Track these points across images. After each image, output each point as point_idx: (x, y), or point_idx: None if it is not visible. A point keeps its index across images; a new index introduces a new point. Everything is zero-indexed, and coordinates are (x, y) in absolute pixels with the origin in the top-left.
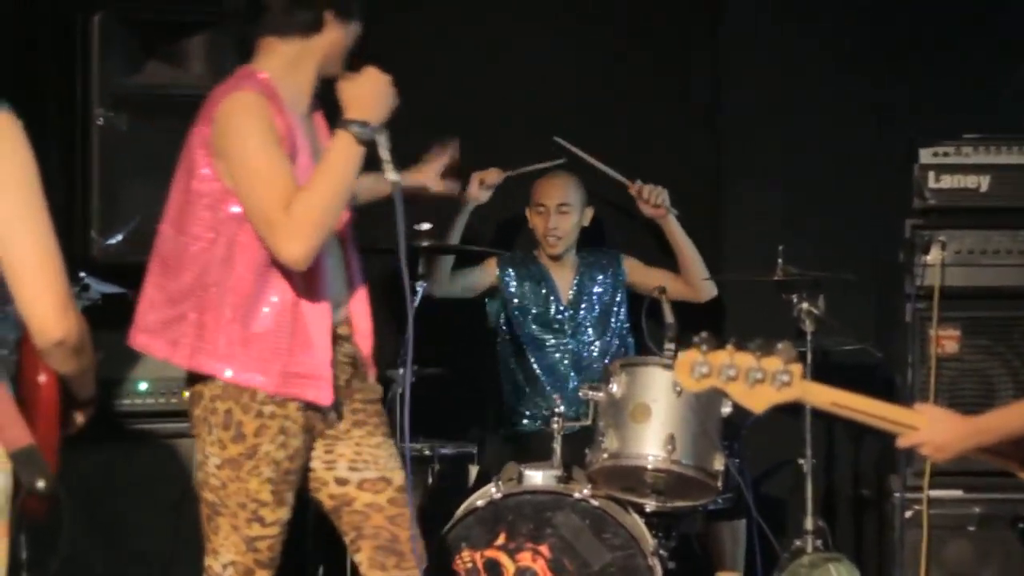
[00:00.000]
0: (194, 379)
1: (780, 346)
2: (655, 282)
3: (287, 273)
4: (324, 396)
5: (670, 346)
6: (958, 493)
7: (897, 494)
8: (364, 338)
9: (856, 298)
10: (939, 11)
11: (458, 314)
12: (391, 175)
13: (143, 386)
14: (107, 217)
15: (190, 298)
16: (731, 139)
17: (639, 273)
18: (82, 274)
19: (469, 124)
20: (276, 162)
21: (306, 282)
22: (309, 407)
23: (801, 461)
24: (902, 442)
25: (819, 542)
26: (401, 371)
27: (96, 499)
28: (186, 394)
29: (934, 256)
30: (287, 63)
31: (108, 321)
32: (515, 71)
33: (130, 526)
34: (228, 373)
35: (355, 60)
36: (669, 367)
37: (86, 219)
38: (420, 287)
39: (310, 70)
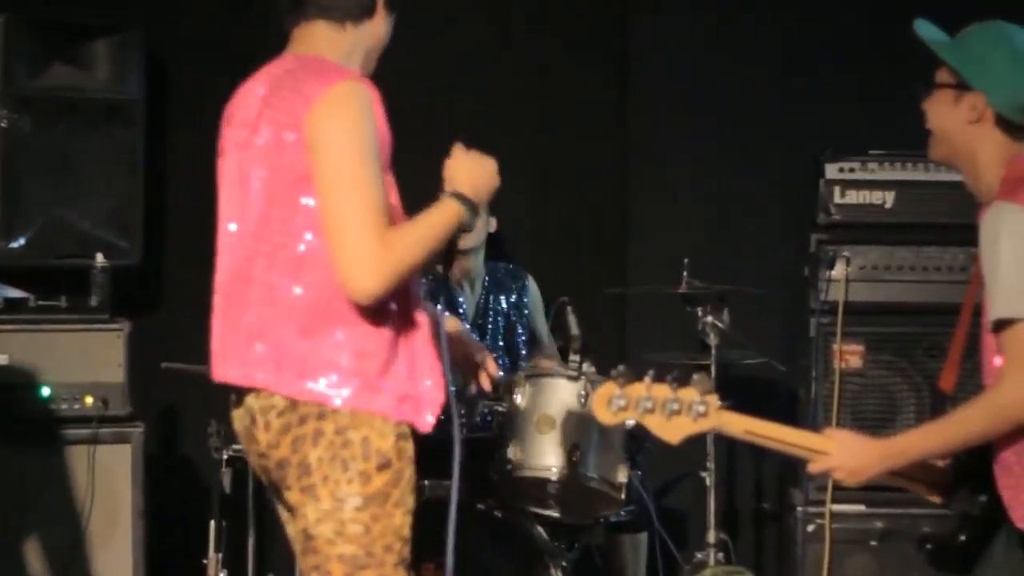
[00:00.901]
0: (303, 417)
1: (696, 377)
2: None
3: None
4: (424, 423)
5: (574, 357)
6: (860, 508)
7: (799, 508)
8: None
9: (763, 312)
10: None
11: None
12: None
13: (46, 391)
14: (9, 220)
15: (293, 316)
16: (638, 147)
17: (536, 313)
18: None
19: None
20: (378, 176)
21: (408, 306)
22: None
23: (704, 474)
24: (813, 468)
25: (721, 555)
26: None
27: None
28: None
29: (839, 271)
30: (345, 54)
31: (9, 325)
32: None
33: (31, 532)
34: (347, 395)
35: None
36: (574, 379)
37: None
38: None
39: (358, 65)
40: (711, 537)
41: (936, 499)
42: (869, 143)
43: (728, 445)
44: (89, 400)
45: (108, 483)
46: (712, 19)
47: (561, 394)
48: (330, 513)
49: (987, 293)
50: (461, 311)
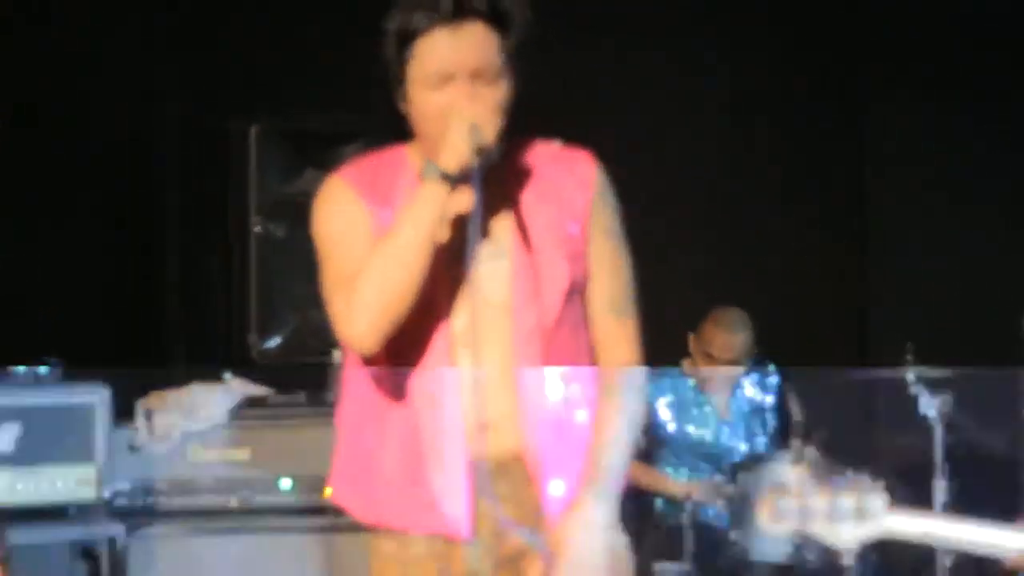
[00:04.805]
0: None
1: (862, 479)
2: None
3: (402, 387)
4: (453, 527)
5: (796, 441)
6: None
7: None
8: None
9: (989, 392)
10: None
11: None
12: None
13: (286, 484)
14: (265, 321)
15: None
16: (874, 233)
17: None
18: (226, 375)
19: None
20: (342, 252)
21: (430, 397)
22: (449, 541)
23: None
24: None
25: None
26: None
27: None
28: None
29: None
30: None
31: (251, 421)
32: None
33: None
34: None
35: None
36: (795, 463)
37: (244, 323)
38: None
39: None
40: None
41: None
42: None
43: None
44: (328, 491)
45: (348, 572)
46: (943, 102)
47: (783, 479)
48: None
49: None
50: (708, 409)
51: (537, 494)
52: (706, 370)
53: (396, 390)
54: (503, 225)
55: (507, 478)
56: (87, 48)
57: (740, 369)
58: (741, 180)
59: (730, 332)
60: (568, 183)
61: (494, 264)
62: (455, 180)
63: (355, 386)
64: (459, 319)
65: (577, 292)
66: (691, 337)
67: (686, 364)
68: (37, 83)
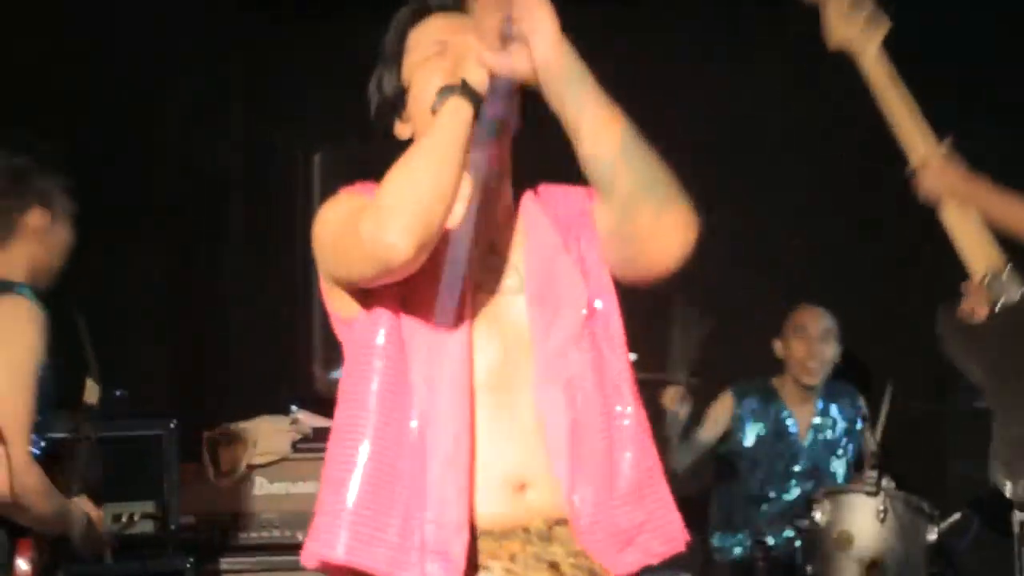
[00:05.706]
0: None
1: None
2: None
3: (384, 425)
4: None
5: (871, 473)
6: None
7: None
8: (589, 524)
9: None
10: None
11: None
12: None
13: None
14: (329, 352)
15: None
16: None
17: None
18: (293, 408)
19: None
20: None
21: (420, 425)
22: None
23: None
24: None
25: None
26: None
27: None
28: None
29: None
30: None
31: (318, 454)
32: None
33: None
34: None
35: None
36: (871, 494)
37: (309, 354)
38: None
39: None
40: None
41: None
42: None
43: None
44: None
45: None
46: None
47: (860, 511)
48: None
49: None
50: (790, 430)
51: (591, 564)
52: (796, 364)
53: (403, 438)
54: (518, 259)
55: (552, 550)
56: (153, 77)
57: (830, 353)
58: (822, 212)
59: (822, 312)
60: (572, 202)
61: (514, 298)
62: (478, 95)
63: (353, 429)
64: (480, 360)
65: (607, 308)
66: (778, 341)
67: (776, 346)
68: (103, 111)
